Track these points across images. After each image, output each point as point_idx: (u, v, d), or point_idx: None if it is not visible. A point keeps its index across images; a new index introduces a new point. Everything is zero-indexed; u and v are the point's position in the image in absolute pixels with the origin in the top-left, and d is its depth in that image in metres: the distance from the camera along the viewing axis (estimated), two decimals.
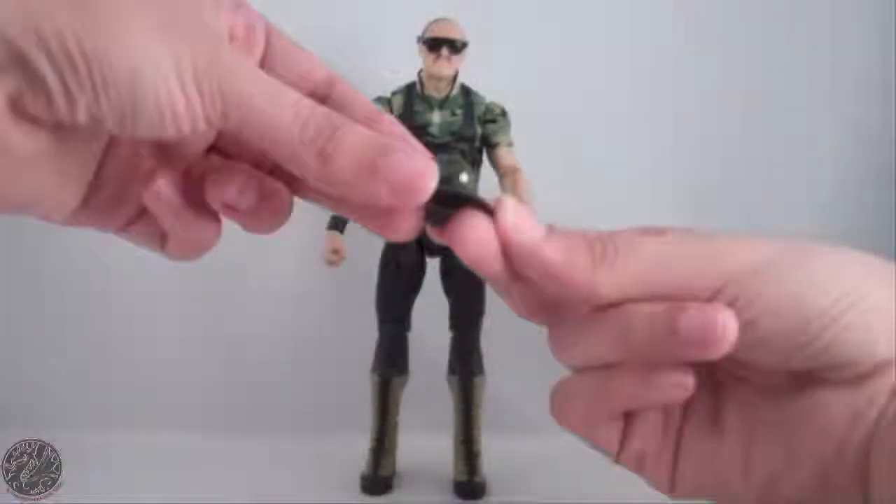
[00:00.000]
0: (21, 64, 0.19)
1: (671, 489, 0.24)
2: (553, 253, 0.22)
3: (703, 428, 0.24)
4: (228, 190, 0.23)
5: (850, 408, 0.21)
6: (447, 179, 0.22)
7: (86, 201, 0.23)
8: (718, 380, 0.24)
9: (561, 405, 0.25)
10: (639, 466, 0.25)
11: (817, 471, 0.21)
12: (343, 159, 0.21)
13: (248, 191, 0.24)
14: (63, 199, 0.23)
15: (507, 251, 0.22)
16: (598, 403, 0.24)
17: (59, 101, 0.20)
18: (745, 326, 0.21)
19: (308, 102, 0.22)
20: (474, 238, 0.22)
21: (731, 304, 0.21)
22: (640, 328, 0.22)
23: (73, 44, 0.19)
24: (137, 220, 0.25)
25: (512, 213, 0.22)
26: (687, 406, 0.24)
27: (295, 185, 0.25)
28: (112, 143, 0.23)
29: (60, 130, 0.21)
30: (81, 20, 0.19)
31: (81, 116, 0.20)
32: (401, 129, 0.25)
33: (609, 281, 0.22)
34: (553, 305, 0.24)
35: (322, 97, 0.25)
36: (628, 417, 0.24)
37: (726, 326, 0.21)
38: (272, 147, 0.21)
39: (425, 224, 0.23)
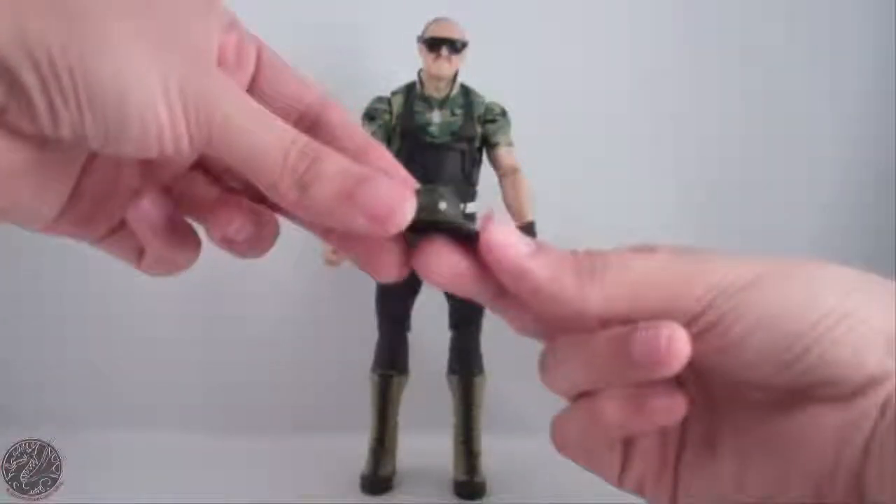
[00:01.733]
0: (7, 77, 0.19)
1: None
2: (540, 270, 0.22)
3: (699, 450, 0.24)
4: (230, 227, 0.24)
5: (841, 425, 0.21)
6: (427, 208, 0.22)
7: (63, 212, 0.23)
8: (714, 401, 0.24)
9: (560, 436, 0.25)
10: (640, 489, 0.25)
11: (811, 489, 0.21)
12: (321, 188, 0.21)
13: (247, 226, 0.24)
14: (40, 209, 0.23)
15: (494, 270, 0.22)
16: (593, 433, 0.24)
17: (44, 115, 0.19)
18: (733, 344, 0.21)
19: (291, 130, 0.22)
20: (437, 268, 0.23)
21: (718, 322, 0.21)
22: (601, 352, 0.22)
23: (61, 60, 0.19)
24: (115, 233, 0.25)
25: (496, 232, 0.22)
26: (684, 428, 0.24)
27: (279, 207, 0.25)
28: (93, 157, 0.23)
29: (42, 143, 0.21)
30: (71, 37, 0.19)
31: (65, 132, 0.20)
32: (391, 159, 0.25)
33: (597, 298, 0.22)
34: (544, 323, 0.24)
35: (312, 121, 0.25)
36: (627, 442, 0.24)
37: (671, 343, 0.21)
38: (253, 173, 0.21)
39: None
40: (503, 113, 1.25)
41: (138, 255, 0.25)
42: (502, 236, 0.22)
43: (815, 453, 0.21)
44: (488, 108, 1.25)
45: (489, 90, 1.26)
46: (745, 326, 0.21)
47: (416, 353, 1.29)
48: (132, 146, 0.21)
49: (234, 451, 1.32)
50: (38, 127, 0.20)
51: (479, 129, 1.24)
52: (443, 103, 1.23)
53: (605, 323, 0.23)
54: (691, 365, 0.21)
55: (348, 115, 0.26)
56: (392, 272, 0.24)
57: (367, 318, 1.28)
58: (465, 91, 1.25)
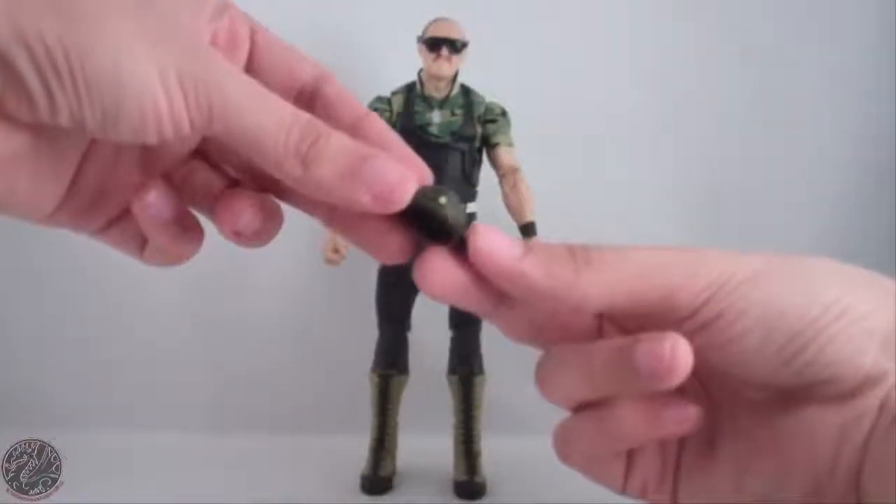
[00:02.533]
0: (2, 64, 0.19)
1: None
2: (532, 268, 0.22)
3: (699, 452, 0.24)
4: (241, 221, 0.24)
5: (841, 424, 0.21)
6: (428, 197, 0.22)
7: (63, 203, 0.23)
8: (712, 402, 0.24)
9: (564, 447, 0.25)
10: (642, 495, 0.25)
11: (810, 488, 0.21)
12: (325, 165, 0.21)
13: (256, 219, 0.24)
14: (39, 200, 0.23)
15: (488, 276, 0.22)
16: (602, 444, 0.24)
17: (41, 102, 0.19)
18: (733, 340, 0.21)
19: (291, 108, 0.22)
20: (434, 281, 0.23)
21: (718, 316, 0.21)
22: (602, 362, 0.22)
23: (57, 45, 0.19)
24: (115, 224, 0.25)
25: (483, 238, 0.22)
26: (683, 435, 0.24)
27: (282, 192, 0.25)
28: (92, 146, 0.23)
29: (40, 132, 0.21)
30: (66, 22, 0.19)
31: (63, 119, 0.20)
32: (388, 131, 0.25)
33: (596, 287, 0.22)
34: (541, 330, 0.24)
35: (310, 95, 0.25)
36: (630, 450, 0.24)
37: (674, 355, 0.21)
38: (255, 152, 0.22)
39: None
40: (503, 113, 1.25)
41: (139, 246, 0.25)
42: (489, 241, 0.22)
43: (815, 452, 0.21)
44: (488, 108, 1.25)
45: (489, 90, 1.26)
46: (744, 322, 0.21)
47: (416, 353, 1.29)
48: (131, 131, 0.20)
49: (234, 452, 1.32)
50: (36, 114, 0.20)
51: (479, 129, 1.24)
52: (443, 103, 1.23)
53: (604, 318, 0.23)
54: (694, 364, 0.21)
55: (343, 86, 0.26)
56: (395, 254, 0.24)
57: (367, 318, 1.28)
58: (465, 91, 1.25)
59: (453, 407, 1.27)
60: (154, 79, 0.20)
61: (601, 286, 0.22)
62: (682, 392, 0.22)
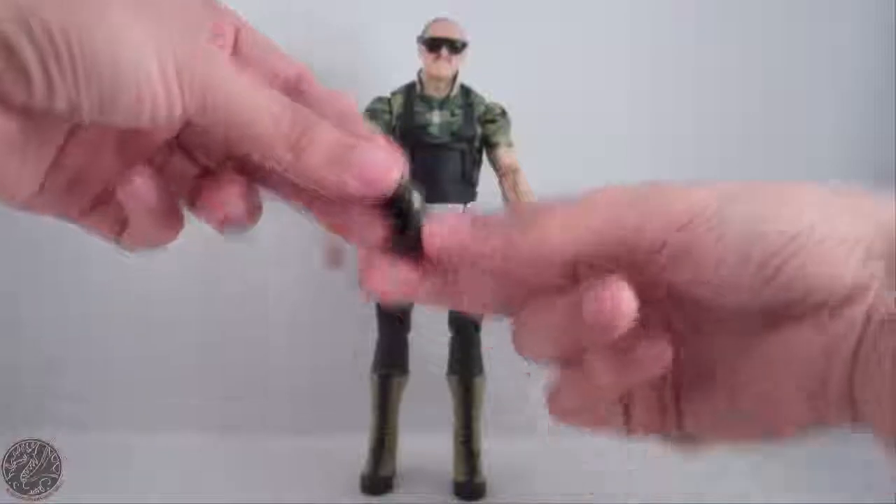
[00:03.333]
0: (3, 46, 0.19)
1: (682, 438, 0.25)
2: (491, 226, 0.23)
3: (696, 381, 0.24)
4: (231, 206, 0.24)
5: (829, 337, 0.21)
6: (403, 191, 0.24)
7: (43, 187, 0.23)
8: (701, 332, 0.24)
9: (556, 407, 0.25)
10: (649, 433, 0.25)
11: (804, 403, 0.22)
12: (315, 152, 0.22)
13: (243, 204, 0.24)
14: (21, 183, 0.23)
15: (449, 249, 0.23)
16: (587, 397, 0.24)
17: (39, 86, 0.19)
18: (711, 264, 0.21)
19: (282, 98, 0.23)
20: (376, 279, 0.24)
21: (696, 241, 0.21)
22: (559, 321, 0.23)
23: (57, 29, 0.19)
24: (94, 209, 0.25)
25: (434, 225, 0.23)
26: (676, 364, 0.24)
27: (263, 179, 0.25)
28: (74, 129, 0.23)
29: (29, 114, 0.21)
30: (66, 6, 0.19)
31: (60, 104, 0.20)
32: (369, 125, 0.25)
33: (560, 231, 0.22)
34: (507, 297, 0.25)
35: (290, 93, 0.25)
36: (624, 394, 0.25)
37: (615, 304, 0.21)
38: (246, 141, 0.22)
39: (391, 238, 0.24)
40: (503, 113, 1.25)
41: (119, 230, 0.25)
42: (437, 227, 0.23)
43: (804, 372, 0.21)
44: (488, 108, 1.25)
45: (489, 90, 1.26)
46: (724, 243, 0.21)
47: (416, 353, 1.29)
48: (125, 115, 0.21)
49: (234, 452, 1.32)
50: (33, 99, 0.20)
51: (479, 129, 1.24)
52: (443, 103, 1.23)
53: (575, 265, 0.23)
54: (676, 296, 0.22)
55: (326, 88, 0.26)
56: (373, 236, 0.24)
57: (367, 318, 1.28)
58: (465, 91, 1.25)
59: (453, 407, 1.27)
60: (152, 65, 0.20)
61: (566, 230, 0.22)
62: (664, 327, 0.23)
